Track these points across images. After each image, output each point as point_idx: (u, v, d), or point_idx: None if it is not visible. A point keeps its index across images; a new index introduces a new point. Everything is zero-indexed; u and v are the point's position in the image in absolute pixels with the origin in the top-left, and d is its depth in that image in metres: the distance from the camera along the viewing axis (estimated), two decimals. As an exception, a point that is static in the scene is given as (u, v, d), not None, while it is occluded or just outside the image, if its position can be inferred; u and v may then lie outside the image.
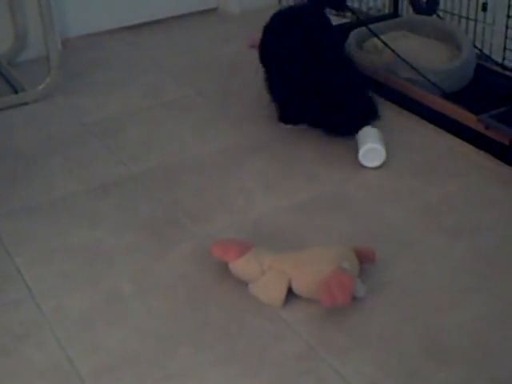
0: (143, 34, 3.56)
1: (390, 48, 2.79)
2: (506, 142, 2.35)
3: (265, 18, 2.64)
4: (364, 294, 1.83)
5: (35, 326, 1.81)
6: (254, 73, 2.83)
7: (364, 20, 3.25)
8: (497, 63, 2.90)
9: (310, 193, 2.29)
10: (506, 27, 2.82)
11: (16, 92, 2.96)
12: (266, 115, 2.74)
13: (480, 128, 2.44)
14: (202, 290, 1.91)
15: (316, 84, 2.49)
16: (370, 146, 2.38)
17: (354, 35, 3.03)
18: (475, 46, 2.89)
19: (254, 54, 2.68)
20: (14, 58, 3.19)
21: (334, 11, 2.79)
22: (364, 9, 3.53)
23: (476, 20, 2.99)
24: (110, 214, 2.22)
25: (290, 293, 1.85)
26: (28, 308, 1.87)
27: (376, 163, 2.39)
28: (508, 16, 2.79)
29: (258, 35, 2.65)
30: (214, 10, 3.82)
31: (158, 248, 2.07)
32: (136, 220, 2.19)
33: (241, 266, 1.89)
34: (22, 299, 1.90)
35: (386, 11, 3.42)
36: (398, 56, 2.75)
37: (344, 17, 3.41)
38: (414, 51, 2.84)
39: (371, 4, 3.53)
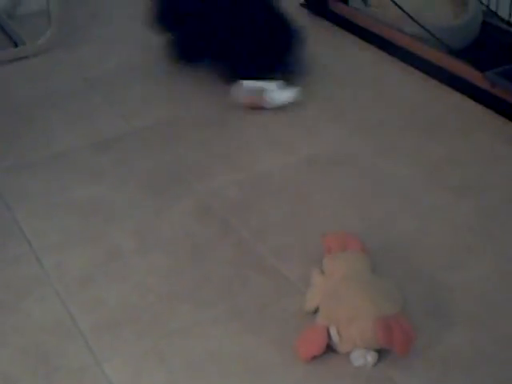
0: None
1: (395, 3, 2.75)
2: (512, 100, 2.33)
3: None
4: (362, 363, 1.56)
5: (36, 282, 1.80)
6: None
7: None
8: (503, 20, 2.86)
9: (312, 149, 2.27)
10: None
11: (16, 45, 2.92)
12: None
13: (485, 85, 2.41)
14: (204, 247, 1.90)
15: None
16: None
17: (358, -10, 2.99)
18: (481, 3, 2.85)
19: None
20: (14, 10, 3.15)
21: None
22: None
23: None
24: (110, 170, 2.21)
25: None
26: (29, 264, 1.86)
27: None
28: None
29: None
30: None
31: (160, 204, 2.06)
32: (137, 175, 2.18)
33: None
34: (22, 255, 1.89)
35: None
36: (404, 12, 2.72)
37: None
38: (420, 7, 2.80)
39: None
